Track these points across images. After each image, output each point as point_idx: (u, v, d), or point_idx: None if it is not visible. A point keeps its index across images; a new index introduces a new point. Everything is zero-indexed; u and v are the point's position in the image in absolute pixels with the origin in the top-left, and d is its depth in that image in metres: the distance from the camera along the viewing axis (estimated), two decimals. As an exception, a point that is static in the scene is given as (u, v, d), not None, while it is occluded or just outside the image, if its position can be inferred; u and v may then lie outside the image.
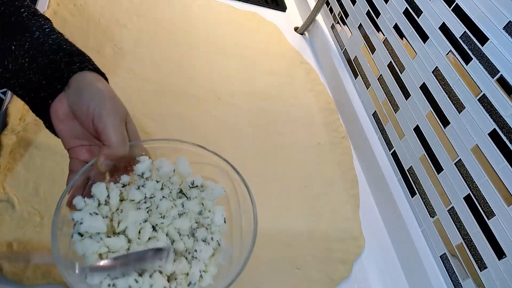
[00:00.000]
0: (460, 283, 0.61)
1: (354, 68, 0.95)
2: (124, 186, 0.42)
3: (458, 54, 0.66)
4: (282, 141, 0.80)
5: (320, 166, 0.79)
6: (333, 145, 0.84)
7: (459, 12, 0.66)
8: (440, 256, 0.65)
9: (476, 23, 0.63)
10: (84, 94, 0.39)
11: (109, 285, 0.35)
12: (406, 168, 0.75)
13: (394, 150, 0.79)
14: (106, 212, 0.39)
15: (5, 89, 0.65)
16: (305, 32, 1.13)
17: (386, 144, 0.81)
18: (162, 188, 0.43)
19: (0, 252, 0.48)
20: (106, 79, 0.43)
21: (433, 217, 0.68)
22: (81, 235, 0.36)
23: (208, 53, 0.90)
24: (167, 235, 0.40)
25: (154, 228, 0.40)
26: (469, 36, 0.64)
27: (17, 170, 0.56)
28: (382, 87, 0.84)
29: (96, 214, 0.37)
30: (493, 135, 0.58)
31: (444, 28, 0.69)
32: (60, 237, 0.35)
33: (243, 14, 1.06)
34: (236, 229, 0.44)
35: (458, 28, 0.66)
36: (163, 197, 0.42)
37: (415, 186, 0.72)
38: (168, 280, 0.38)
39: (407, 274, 0.68)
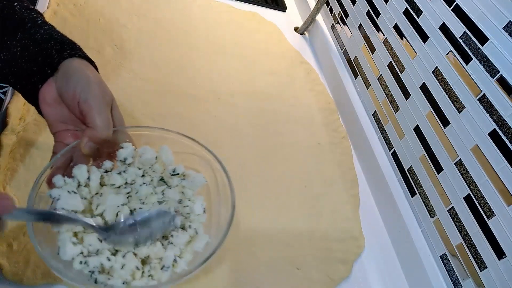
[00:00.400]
0: (460, 283, 0.61)
1: (354, 68, 0.95)
2: (106, 171, 0.42)
3: (458, 54, 0.66)
4: (282, 141, 0.80)
5: (320, 166, 0.79)
6: (333, 145, 0.84)
7: (459, 12, 0.66)
8: (440, 256, 0.65)
9: (476, 23, 0.63)
10: (71, 78, 0.40)
11: (80, 262, 0.35)
12: (406, 168, 0.75)
13: (394, 150, 0.79)
14: (85, 194, 0.39)
15: (5, 89, 0.65)
16: (305, 32, 1.13)
17: (386, 144, 0.81)
18: (143, 175, 0.43)
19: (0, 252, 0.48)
20: (95, 67, 0.44)
21: (433, 217, 0.68)
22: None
23: (208, 53, 0.90)
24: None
25: (132, 212, 0.40)
26: (469, 36, 0.64)
27: (17, 170, 0.56)
28: (382, 87, 0.84)
29: (75, 192, 0.38)
30: (493, 135, 0.58)
31: (444, 28, 0.69)
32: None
33: (243, 14, 1.06)
34: (215, 218, 0.44)
35: (458, 28, 0.66)
36: (144, 183, 0.42)
37: (415, 186, 0.72)
38: (143, 264, 0.39)
39: (407, 274, 0.68)
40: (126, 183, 0.42)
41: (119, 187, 0.42)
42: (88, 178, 0.40)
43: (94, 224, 0.38)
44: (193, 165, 0.44)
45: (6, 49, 0.41)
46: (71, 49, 0.42)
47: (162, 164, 0.44)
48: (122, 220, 0.39)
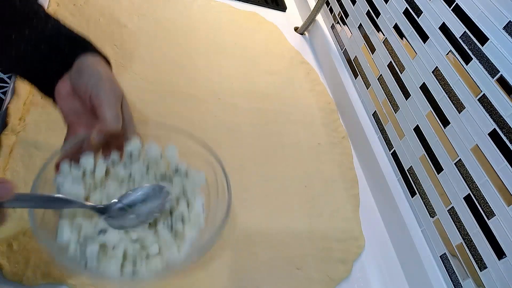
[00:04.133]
0: (460, 283, 0.61)
1: (354, 68, 0.95)
2: (112, 164, 0.43)
3: (458, 54, 0.66)
4: (282, 141, 0.80)
5: (320, 166, 0.79)
6: (333, 145, 0.84)
7: (459, 12, 0.66)
8: (440, 256, 0.65)
9: (476, 23, 0.63)
10: (84, 74, 0.42)
11: (76, 248, 0.37)
12: (406, 168, 0.75)
13: (394, 150, 0.79)
14: (89, 184, 0.40)
15: (5, 89, 0.65)
16: (305, 32, 1.13)
17: (386, 144, 0.81)
18: (147, 170, 0.44)
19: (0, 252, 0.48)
20: (108, 61, 0.46)
21: (433, 217, 0.68)
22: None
23: (208, 53, 0.90)
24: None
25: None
26: (469, 36, 0.64)
27: (17, 170, 0.56)
28: (382, 87, 0.84)
29: (78, 181, 0.39)
30: (493, 135, 0.58)
31: (444, 28, 0.69)
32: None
33: (243, 14, 1.06)
34: (211, 216, 0.44)
35: (458, 28, 0.66)
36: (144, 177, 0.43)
37: (415, 186, 0.72)
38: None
39: (407, 274, 0.68)
40: (130, 176, 0.43)
41: (122, 180, 0.42)
42: (94, 168, 0.41)
43: (94, 204, 0.39)
44: (195, 164, 0.45)
45: (15, 47, 0.41)
46: (83, 45, 0.44)
47: (166, 161, 0.45)
48: (116, 200, 0.40)
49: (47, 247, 0.34)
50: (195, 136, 0.45)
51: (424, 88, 0.72)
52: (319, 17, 1.10)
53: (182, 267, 0.40)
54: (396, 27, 0.81)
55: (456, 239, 0.63)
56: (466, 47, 0.64)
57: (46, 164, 0.39)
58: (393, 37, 0.81)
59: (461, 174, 0.63)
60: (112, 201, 0.40)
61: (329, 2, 1.09)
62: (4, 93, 0.63)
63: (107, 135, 0.41)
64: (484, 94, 0.60)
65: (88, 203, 0.39)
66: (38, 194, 0.37)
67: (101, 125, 0.40)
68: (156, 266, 0.39)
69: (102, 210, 0.39)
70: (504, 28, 0.59)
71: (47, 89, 0.44)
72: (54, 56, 0.43)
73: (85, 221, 0.38)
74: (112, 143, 0.44)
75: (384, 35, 0.84)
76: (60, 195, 0.37)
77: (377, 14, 0.87)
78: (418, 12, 0.75)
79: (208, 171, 0.45)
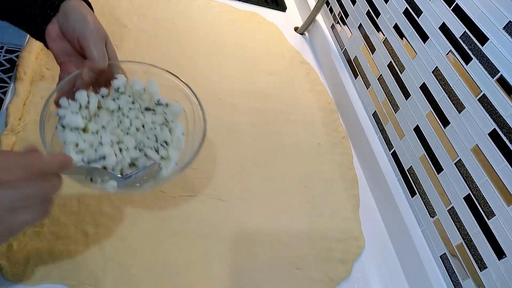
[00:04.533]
0: (460, 283, 0.61)
1: (354, 68, 0.95)
2: (102, 97, 0.50)
3: (458, 54, 0.66)
4: (282, 141, 0.80)
5: (320, 166, 0.79)
6: (333, 145, 0.84)
7: (459, 12, 0.66)
8: (440, 256, 0.65)
9: (476, 23, 0.63)
10: (70, 17, 0.47)
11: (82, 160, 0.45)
12: (406, 168, 0.75)
13: (394, 150, 0.79)
14: (85, 115, 0.48)
15: (5, 89, 0.65)
16: (305, 32, 1.13)
17: (386, 144, 0.81)
18: (133, 102, 0.51)
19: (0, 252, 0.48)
20: (90, 6, 0.51)
21: (433, 217, 0.68)
22: (63, 127, 0.45)
23: (208, 53, 0.90)
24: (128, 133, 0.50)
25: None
26: (469, 36, 0.64)
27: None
28: (382, 87, 0.84)
29: (77, 113, 0.46)
30: (493, 135, 0.58)
31: (444, 28, 0.69)
32: (46, 128, 0.44)
33: (243, 14, 1.06)
34: (190, 141, 0.52)
35: (458, 28, 0.66)
36: (132, 108, 0.51)
37: (415, 186, 0.72)
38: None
39: (407, 274, 0.68)
40: (119, 108, 0.50)
41: (112, 111, 0.50)
42: (88, 102, 0.48)
43: (117, 174, 0.47)
44: (174, 97, 0.53)
45: None
46: None
47: (149, 94, 0.52)
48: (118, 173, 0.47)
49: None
50: (173, 72, 0.53)
51: (424, 88, 0.72)
52: (319, 17, 1.10)
53: (167, 180, 0.49)
54: (396, 27, 0.81)
55: (456, 239, 0.63)
56: (466, 47, 0.64)
57: (47, 101, 0.45)
58: (393, 37, 0.81)
59: (461, 174, 0.63)
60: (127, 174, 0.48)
61: (329, 2, 1.09)
62: (4, 93, 0.63)
63: (96, 72, 0.47)
64: (484, 94, 0.60)
65: (113, 173, 0.46)
66: (85, 165, 0.45)
67: (90, 63, 0.46)
68: (148, 180, 0.47)
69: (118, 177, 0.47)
70: (504, 28, 0.59)
71: (38, 33, 0.49)
72: (40, 1, 0.47)
73: (88, 149, 0.46)
74: (101, 80, 0.50)
75: (384, 35, 0.84)
76: (98, 167, 0.45)
77: (377, 14, 0.87)
78: (418, 12, 0.75)
79: (185, 103, 0.53)
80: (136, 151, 0.49)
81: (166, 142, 0.50)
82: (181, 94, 0.54)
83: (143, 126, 0.50)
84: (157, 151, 0.49)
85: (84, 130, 0.47)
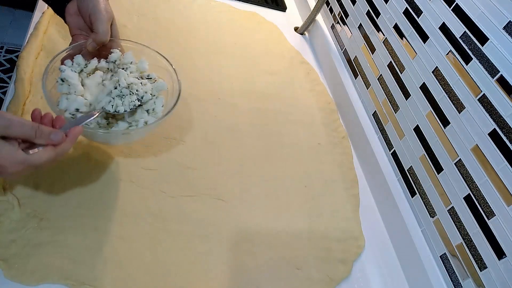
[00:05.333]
0: (460, 283, 0.61)
1: (354, 68, 0.95)
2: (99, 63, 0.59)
3: (458, 54, 0.66)
4: (282, 141, 0.80)
5: (320, 166, 0.79)
6: (333, 145, 0.84)
7: (459, 12, 0.66)
8: (440, 256, 0.65)
9: (476, 23, 0.63)
10: None
11: (70, 113, 0.54)
12: (406, 168, 0.75)
13: (394, 150, 0.79)
14: (84, 75, 0.58)
15: (5, 89, 0.66)
16: (305, 32, 1.13)
17: (386, 144, 0.81)
18: (124, 69, 0.59)
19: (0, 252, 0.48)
20: None
21: (433, 217, 0.68)
22: (62, 80, 0.54)
23: (208, 53, 0.90)
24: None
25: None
26: (469, 36, 0.64)
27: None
28: (382, 87, 0.84)
29: (75, 69, 0.56)
30: (493, 135, 0.58)
31: (444, 28, 0.69)
32: (49, 80, 0.53)
33: (243, 14, 1.06)
34: (167, 109, 0.60)
35: (458, 28, 0.66)
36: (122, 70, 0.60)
37: (415, 186, 0.72)
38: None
39: (407, 274, 0.68)
40: (111, 70, 0.60)
41: (106, 69, 0.60)
42: (86, 65, 0.58)
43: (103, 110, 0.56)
44: (160, 75, 0.62)
45: None
46: None
47: (139, 70, 0.61)
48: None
49: (52, 108, 0.51)
50: (160, 52, 0.63)
51: (424, 88, 0.72)
52: (319, 17, 1.10)
53: (145, 132, 0.59)
54: (396, 27, 0.81)
55: (456, 239, 0.63)
56: (466, 47, 0.64)
57: (54, 58, 0.55)
58: (393, 37, 0.81)
59: (461, 174, 0.63)
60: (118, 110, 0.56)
61: (329, 2, 1.09)
62: (4, 93, 0.64)
63: (99, 44, 0.57)
64: (484, 94, 0.60)
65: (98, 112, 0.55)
66: (78, 118, 0.52)
67: (95, 36, 0.56)
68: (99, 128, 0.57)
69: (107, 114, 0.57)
70: (504, 28, 0.59)
71: (60, 9, 0.60)
72: None
73: (79, 98, 0.54)
74: (101, 52, 0.60)
75: (384, 35, 0.84)
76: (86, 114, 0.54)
77: (377, 14, 0.87)
78: (418, 12, 0.75)
79: (166, 77, 0.62)
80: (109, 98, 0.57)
81: (140, 101, 0.58)
82: (166, 72, 0.63)
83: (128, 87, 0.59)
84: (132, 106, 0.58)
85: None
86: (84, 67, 0.58)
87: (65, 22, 0.61)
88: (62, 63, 0.56)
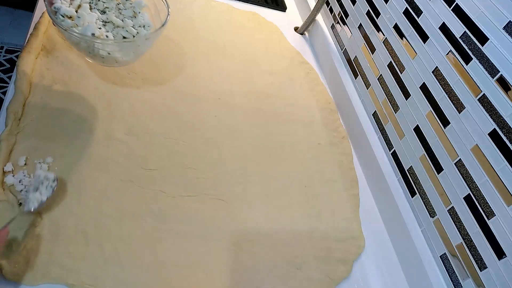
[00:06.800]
0: (460, 283, 0.61)
1: (354, 68, 0.95)
2: None
3: (458, 54, 0.66)
4: (282, 141, 0.80)
5: (320, 166, 0.79)
6: (333, 145, 0.84)
7: (459, 12, 0.66)
8: (440, 256, 0.65)
9: (476, 23, 0.63)
10: None
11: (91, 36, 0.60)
12: (406, 168, 0.75)
13: (394, 150, 0.79)
14: (75, 6, 0.64)
15: (5, 89, 0.66)
16: (305, 32, 1.13)
17: (386, 144, 0.81)
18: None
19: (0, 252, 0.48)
20: None
21: (433, 217, 0.68)
22: (62, 16, 0.60)
23: (208, 53, 0.90)
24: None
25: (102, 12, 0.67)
26: (469, 36, 0.64)
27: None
28: (382, 87, 0.84)
29: (68, 5, 0.62)
30: (493, 135, 0.58)
31: (444, 28, 0.69)
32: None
33: (243, 14, 1.06)
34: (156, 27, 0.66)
35: (458, 28, 0.66)
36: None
37: (415, 186, 0.72)
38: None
39: (407, 274, 0.68)
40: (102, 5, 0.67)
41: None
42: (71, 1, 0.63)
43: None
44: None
45: None
46: None
47: None
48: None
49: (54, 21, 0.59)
50: None
51: (424, 88, 0.72)
52: (319, 17, 1.10)
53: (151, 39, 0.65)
54: (396, 27, 0.81)
55: (456, 239, 0.63)
56: (466, 47, 0.64)
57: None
58: (393, 37, 0.81)
59: (461, 174, 0.63)
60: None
61: (329, 2, 1.09)
62: (4, 93, 0.63)
63: None
64: (484, 94, 0.60)
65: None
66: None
67: None
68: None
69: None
70: (504, 28, 0.59)
71: None
72: None
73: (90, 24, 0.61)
74: None
75: (384, 35, 0.84)
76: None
77: (377, 14, 0.87)
78: (418, 12, 0.75)
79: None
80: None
81: (139, 25, 0.67)
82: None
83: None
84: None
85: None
86: (70, 4, 0.63)
87: None
88: (51, 5, 0.61)
